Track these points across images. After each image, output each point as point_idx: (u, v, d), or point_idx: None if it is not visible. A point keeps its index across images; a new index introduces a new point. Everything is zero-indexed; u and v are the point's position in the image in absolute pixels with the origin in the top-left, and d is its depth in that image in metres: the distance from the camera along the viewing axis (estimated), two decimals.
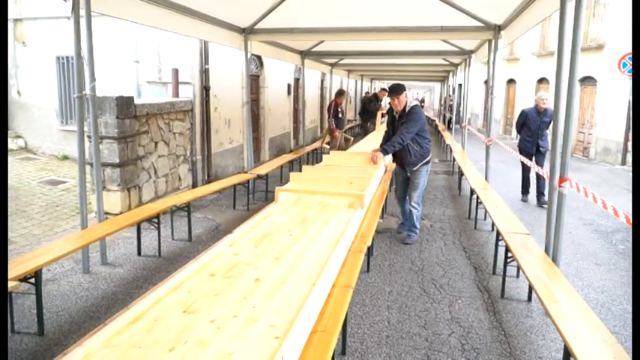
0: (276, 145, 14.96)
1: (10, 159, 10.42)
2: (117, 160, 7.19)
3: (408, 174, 6.50)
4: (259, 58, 12.94)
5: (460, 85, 17.78)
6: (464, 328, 4.30)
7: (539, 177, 8.62)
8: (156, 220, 5.98)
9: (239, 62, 10.30)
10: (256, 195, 9.27)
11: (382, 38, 8.70)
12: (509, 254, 4.67)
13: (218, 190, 8.37)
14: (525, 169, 9.14)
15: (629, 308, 4.81)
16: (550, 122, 8.59)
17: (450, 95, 24.50)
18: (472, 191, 7.65)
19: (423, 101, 49.37)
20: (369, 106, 16.56)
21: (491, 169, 8.45)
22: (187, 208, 6.64)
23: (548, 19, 18.53)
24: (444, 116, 27.42)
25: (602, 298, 5.07)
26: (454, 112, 22.40)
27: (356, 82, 26.89)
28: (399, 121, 6.36)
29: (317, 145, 14.12)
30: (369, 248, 4.94)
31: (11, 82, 11.33)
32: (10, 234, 6.51)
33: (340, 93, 12.36)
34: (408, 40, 9.45)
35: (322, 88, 21.62)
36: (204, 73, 9.65)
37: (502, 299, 4.94)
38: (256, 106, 13.24)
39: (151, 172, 8.09)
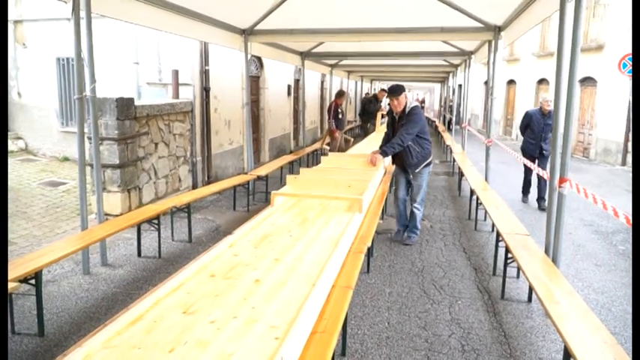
0: (276, 146, 14.97)
1: (11, 160, 10.43)
2: (117, 162, 7.19)
3: (411, 176, 6.44)
4: (259, 59, 12.94)
5: (460, 85, 17.79)
6: (464, 329, 4.30)
7: (540, 180, 8.49)
8: (156, 221, 5.99)
9: (239, 63, 10.30)
10: (256, 196, 9.28)
11: (382, 39, 8.71)
12: (510, 255, 4.67)
13: (218, 191, 8.37)
14: (527, 171, 9.08)
15: (629, 309, 4.81)
16: None
17: (449, 96, 24.49)
18: (472, 192, 7.65)
19: (423, 102, 49.35)
20: (368, 107, 16.57)
21: (491, 170, 8.45)
22: (187, 209, 6.64)
23: (548, 20, 18.54)
24: (444, 117, 27.42)
25: (602, 298, 5.07)
26: (454, 113, 22.42)
27: (356, 83, 26.89)
28: (398, 122, 6.30)
29: (317, 146, 14.12)
30: (368, 249, 4.93)
31: (11, 83, 11.34)
32: (10, 235, 6.51)
33: (340, 94, 12.35)
34: (407, 41, 9.46)
35: (322, 89, 21.62)
36: (205, 75, 9.65)
37: (502, 300, 4.94)
38: (256, 107, 13.24)
39: (151, 174, 8.09)
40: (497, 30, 7.58)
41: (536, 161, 8.63)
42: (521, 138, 9.41)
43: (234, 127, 11.38)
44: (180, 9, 6.39)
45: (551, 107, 8.57)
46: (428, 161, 6.37)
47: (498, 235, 5.25)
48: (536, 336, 4.23)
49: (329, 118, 12.39)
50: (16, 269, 3.75)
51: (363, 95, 23.94)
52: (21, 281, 3.74)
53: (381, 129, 13.06)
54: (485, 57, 9.12)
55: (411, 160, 6.25)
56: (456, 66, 15.72)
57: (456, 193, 10.19)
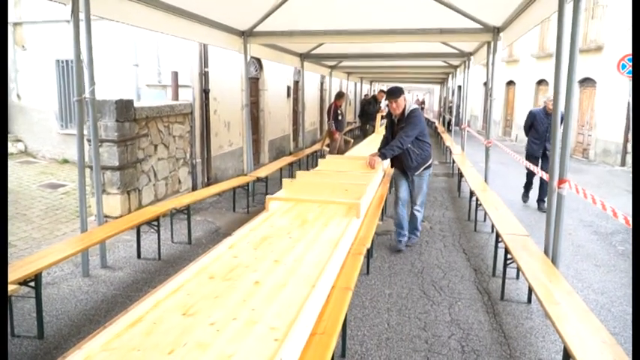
0: (275, 147, 14.97)
1: (10, 162, 10.43)
2: (117, 164, 7.19)
3: (411, 179, 6.32)
4: (259, 60, 12.95)
5: (459, 87, 17.79)
6: (464, 330, 4.30)
7: (542, 182, 8.30)
8: (156, 223, 5.99)
9: (238, 65, 10.30)
10: (256, 197, 9.28)
11: (381, 41, 8.71)
12: (509, 256, 4.67)
13: (218, 193, 8.38)
14: (530, 172, 8.90)
15: (629, 309, 4.81)
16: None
17: (448, 97, 24.51)
18: (472, 193, 7.66)
19: (423, 103, 49.31)
20: (368, 109, 16.59)
21: (490, 171, 8.44)
22: (187, 211, 6.64)
23: (548, 21, 18.56)
24: (444, 118, 27.43)
25: (601, 299, 5.07)
26: (454, 114, 22.42)
27: (355, 84, 26.91)
28: (398, 125, 6.17)
29: (317, 147, 14.13)
30: (368, 250, 4.93)
31: (11, 85, 11.34)
32: (10, 237, 6.51)
33: (340, 95, 12.36)
34: (407, 42, 9.47)
35: (322, 90, 21.63)
36: (204, 76, 9.65)
37: (502, 301, 4.94)
38: (256, 108, 13.24)
39: (150, 175, 8.09)
40: (497, 31, 7.59)
41: (540, 162, 8.53)
42: (521, 139, 9.39)
43: (233, 129, 11.38)
44: (180, 11, 6.39)
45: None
46: (428, 164, 6.27)
47: (498, 235, 5.25)
48: (535, 337, 4.23)
49: (328, 120, 12.40)
50: (15, 272, 3.75)
51: (363, 96, 23.96)
52: (20, 284, 3.74)
53: (380, 130, 13.06)
54: (484, 58, 9.13)
55: (411, 163, 6.13)
56: (456, 67, 15.73)
57: (456, 194, 10.20)
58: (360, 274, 3.83)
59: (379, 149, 6.48)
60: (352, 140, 15.24)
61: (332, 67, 16.31)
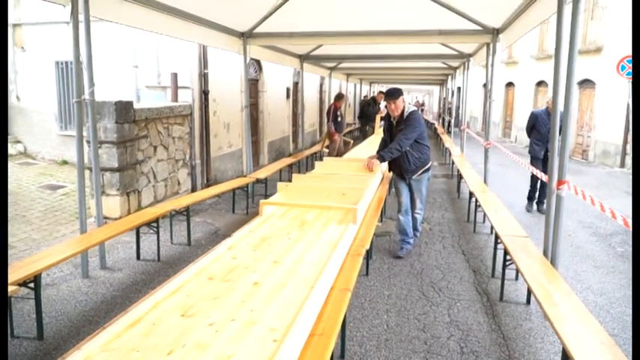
0: (275, 148, 14.98)
1: (10, 164, 10.43)
2: (116, 165, 7.20)
3: (409, 182, 6.15)
4: (258, 62, 12.96)
5: (459, 88, 17.80)
6: (463, 331, 4.30)
7: (543, 184, 8.18)
8: (155, 225, 5.99)
9: (238, 66, 10.31)
10: (255, 199, 9.27)
11: (381, 42, 8.72)
12: (508, 257, 4.67)
13: (217, 194, 8.38)
14: (534, 177, 8.49)
15: (628, 311, 4.81)
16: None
17: (447, 98, 24.52)
18: (471, 194, 7.66)
19: (423, 105, 49.29)
20: (367, 110, 16.61)
21: (490, 173, 8.44)
22: (186, 213, 6.64)
23: (547, 22, 18.57)
24: (443, 119, 27.46)
25: (600, 300, 5.08)
26: (453, 116, 22.43)
27: (355, 85, 26.93)
28: (396, 127, 6.06)
29: (316, 148, 14.14)
30: (367, 252, 4.92)
31: (10, 87, 11.34)
32: (9, 239, 6.51)
33: (339, 97, 12.37)
34: (406, 43, 9.47)
35: (321, 91, 21.65)
36: (203, 78, 9.66)
37: (501, 302, 4.94)
38: (255, 110, 13.25)
39: (150, 177, 8.09)
40: (496, 32, 7.60)
41: (541, 164, 8.27)
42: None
43: (233, 130, 11.39)
44: (179, 12, 6.40)
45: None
46: (427, 167, 6.13)
47: (497, 237, 5.26)
48: (534, 338, 4.23)
49: (328, 121, 12.41)
50: (15, 273, 3.75)
51: (362, 98, 23.98)
52: (20, 285, 3.75)
53: (380, 131, 13.06)
54: (483, 59, 9.14)
55: (409, 167, 6.00)
56: (455, 68, 15.75)
57: (455, 196, 10.20)
58: (359, 275, 3.83)
59: (378, 151, 6.42)
60: (352, 141, 15.25)
61: (331, 69, 16.33)
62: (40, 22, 10.70)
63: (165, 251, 6.31)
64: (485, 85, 12.13)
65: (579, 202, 6.92)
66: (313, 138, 20.07)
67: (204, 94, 9.72)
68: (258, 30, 8.26)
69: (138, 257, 6.03)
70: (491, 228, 6.39)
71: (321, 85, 21.38)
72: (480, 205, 6.80)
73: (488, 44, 8.31)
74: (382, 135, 6.69)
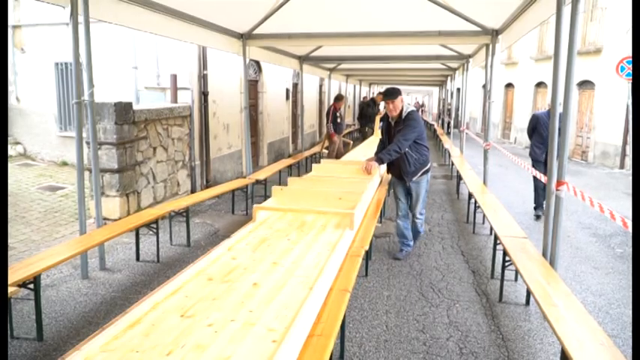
0: (274, 150, 14.98)
1: (9, 165, 10.43)
2: (115, 166, 7.20)
3: (409, 184, 5.97)
4: (258, 63, 12.97)
5: (458, 89, 17.81)
6: (462, 332, 4.30)
7: (543, 186, 7.82)
8: (154, 226, 5.99)
9: (237, 67, 10.32)
10: (255, 200, 9.26)
11: (380, 43, 8.73)
12: (508, 258, 4.68)
13: (217, 195, 8.39)
14: (537, 181, 8.10)
15: (627, 312, 4.82)
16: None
17: (447, 99, 24.53)
18: (470, 195, 7.66)
19: (423, 106, 49.34)
20: (366, 111, 16.62)
21: (489, 174, 8.43)
22: (186, 214, 6.65)
23: (546, 23, 18.57)
24: (443, 120, 27.48)
25: (600, 301, 5.08)
26: (452, 117, 22.43)
27: (354, 86, 26.94)
28: (395, 128, 5.93)
29: (316, 149, 14.15)
30: (366, 253, 4.92)
31: (10, 88, 11.34)
32: (9, 240, 6.51)
33: (339, 98, 12.37)
34: (406, 44, 9.48)
35: (321, 92, 21.66)
36: (203, 79, 9.67)
37: (500, 303, 4.94)
38: (255, 111, 13.26)
39: (149, 178, 8.10)
40: (495, 33, 7.60)
41: (543, 167, 7.88)
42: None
43: (232, 132, 11.40)
44: (179, 13, 6.41)
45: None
46: (426, 168, 5.98)
47: (496, 238, 5.26)
48: (533, 339, 4.24)
49: (327, 122, 12.42)
50: (15, 274, 3.75)
51: (362, 99, 24.00)
52: (20, 286, 3.75)
53: (379, 132, 13.06)
54: (483, 60, 9.14)
55: (409, 168, 5.84)
56: (454, 69, 15.76)
57: (455, 197, 10.21)
58: (358, 276, 3.84)
59: (376, 153, 6.31)
60: (351, 142, 15.26)
61: (331, 70, 16.33)
62: (39, 23, 10.70)
63: (164, 252, 6.31)
64: (484, 86, 12.14)
65: (579, 203, 6.93)
66: (313, 139, 20.08)
67: (204, 95, 9.73)
68: (257, 31, 8.27)
69: (137, 258, 6.03)
70: (491, 229, 6.40)
71: (320, 86, 21.39)
72: (479, 206, 6.80)
73: (487, 45, 8.31)
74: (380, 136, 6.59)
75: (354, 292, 4.96)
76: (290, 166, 11.43)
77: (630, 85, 12.23)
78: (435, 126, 25.99)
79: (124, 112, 7.26)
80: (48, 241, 6.69)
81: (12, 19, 10.88)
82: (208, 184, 9.99)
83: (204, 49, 9.52)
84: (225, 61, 10.46)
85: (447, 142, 15.83)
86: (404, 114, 5.82)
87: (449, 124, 23.21)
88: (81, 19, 4.87)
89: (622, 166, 15.03)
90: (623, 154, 15.04)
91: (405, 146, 5.74)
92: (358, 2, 6.89)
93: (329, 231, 4.42)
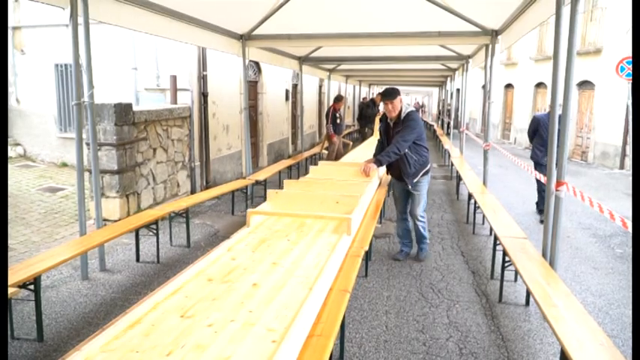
0: (274, 150, 14.99)
1: (10, 166, 10.43)
2: (115, 167, 7.21)
3: (409, 186, 5.81)
4: (257, 64, 12.98)
5: (458, 89, 17.82)
6: (462, 333, 4.30)
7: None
8: (154, 227, 5.99)
9: (237, 68, 10.33)
10: (255, 200, 9.28)
11: (380, 44, 8.74)
12: (507, 258, 4.68)
13: (216, 196, 8.38)
14: (541, 184, 7.90)
15: (627, 312, 4.82)
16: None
17: (446, 100, 24.54)
18: (470, 196, 7.66)
19: (423, 106, 49.36)
20: (366, 112, 16.63)
21: (489, 174, 8.42)
22: (186, 214, 6.65)
23: (546, 24, 18.57)
24: (442, 121, 27.50)
25: (599, 301, 5.08)
26: (452, 117, 22.44)
27: (354, 87, 26.95)
28: (394, 129, 5.78)
29: (316, 150, 14.16)
30: (366, 253, 4.91)
31: (10, 89, 11.34)
32: (9, 241, 6.51)
33: (338, 99, 12.38)
34: (405, 45, 9.50)
35: (320, 93, 21.66)
36: (203, 80, 9.68)
37: (500, 303, 4.94)
38: (254, 112, 13.28)
39: (149, 179, 8.10)
40: (495, 34, 7.61)
41: (545, 170, 7.93)
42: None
43: (232, 132, 11.40)
44: (178, 14, 6.41)
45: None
46: (426, 169, 5.84)
47: (496, 238, 5.26)
48: (533, 339, 4.24)
49: (327, 123, 12.43)
50: (15, 275, 3.76)
51: (361, 100, 24.02)
52: (20, 286, 3.75)
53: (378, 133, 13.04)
54: (482, 61, 9.15)
55: (409, 170, 5.69)
56: (454, 70, 15.77)
57: (454, 197, 10.21)
58: (358, 276, 3.84)
59: (374, 155, 6.18)
60: (351, 143, 15.28)
61: (330, 70, 16.34)
62: (39, 24, 10.71)
63: (164, 253, 6.31)
64: (484, 87, 12.15)
65: (578, 203, 6.93)
66: (312, 140, 20.09)
67: (204, 96, 9.73)
68: (257, 32, 8.28)
69: (137, 259, 6.04)
70: (491, 229, 6.40)
71: (320, 87, 21.40)
72: (479, 207, 6.80)
73: (487, 46, 8.32)
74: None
75: (353, 293, 4.96)
76: (290, 167, 11.44)
77: (630, 85, 12.25)
78: (435, 126, 26.00)
79: (123, 113, 7.26)
80: (48, 242, 6.69)
81: (12, 21, 10.89)
82: (208, 185, 10.00)
83: (203, 50, 9.53)
84: (224, 62, 10.47)
85: (447, 143, 15.84)
86: (403, 114, 5.69)
87: (448, 124, 23.22)
88: (81, 20, 4.88)
89: (622, 167, 15.03)
90: (623, 155, 15.04)
91: (404, 147, 5.60)
92: (358, 3, 6.90)
93: (326, 236, 4.34)
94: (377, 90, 32.82)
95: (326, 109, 14.56)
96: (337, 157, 11.80)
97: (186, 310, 2.74)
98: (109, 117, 7.11)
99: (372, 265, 5.89)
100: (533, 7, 5.60)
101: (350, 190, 5.57)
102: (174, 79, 9.17)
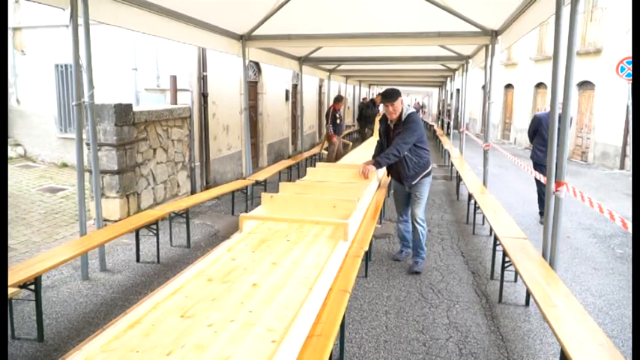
0: (274, 151, 14.99)
1: (10, 167, 10.44)
2: (115, 167, 7.21)
3: (407, 188, 5.73)
4: (257, 64, 12.99)
5: (458, 90, 17.81)
6: (461, 333, 4.31)
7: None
8: (154, 227, 5.99)
9: (237, 69, 10.33)
10: (255, 201, 9.27)
11: (380, 44, 8.74)
12: (507, 259, 4.68)
13: (216, 197, 8.38)
14: (540, 185, 7.75)
15: (627, 312, 4.82)
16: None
17: (446, 100, 24.55)
18: (470, 196, 7.66)
19: (424, 107, 49.37)
20: (366, 112, 16.64)
21: (489, 174, 8.41)
22: (186, 215, 6.65)
23: (546, 24, 18.58)
24: (442, 121, 27.51)
25: (599, 302, 5.08)
26: (452, 117, 22.44)
27: (354, 87, 26.95)
28: (394, 130, 5.64)
29: (316, 150, 14.16)
30: (366, 253, 4.90)
31: (10, 90, 11.35)
32: (9, 241, 6.52)
33: (338, 99, 12.39)
34: (405, 45, 9.49)
35: (320, 93, 21.67)
36: (203, 80, 9.68)
37: (500, 304, 4.94)
38: (254, 112, 13.28)
39: (149, 179, 8.11)
40: (494, 34, 7.61)
41: (545, 170, 7.76)
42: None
43: (232, 133, 11.41)
44: (178, 15, 6.42)
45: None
46: (427, 171, 5.70)
47: (496, 238, 5.26)
48: (533, 339, 4.24)
49: (327, 123, 12.43)
50: (15, 275, 3.76)
51: (361, 100, 24.03)
52: (20, 287, 3.76)
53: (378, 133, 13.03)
54: (482, 61, 9.15)
55: (408, 172, 5.59)
56: (454, 70, 15.77)
57: (454, 197, 10.21)
58: (358, 276, 3.84)
59: (373, 157, 6.02)
60: (351, 143, 15.28)
61: (330, 71, 16.35)
62: (39, 25, 10.73)
63: (164, 253, 6.32)
64: (484, 87, 12.15)
65: (579, 204, 6.92)
66: (312, 140, 20.09)
67: (204, 96, 9.74)
68: (256, 32, 8.28)
69: (137, 259, 6.04)
70: (491, 230, 6.40)
71: (320, 87, 21.40)
72: (479, 207, 6.80)
73: (487, 46, 8.32)
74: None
75: (353, 293, 4.97)
76: (290, 167, 11.44)
77: (630, 85, 12.25)
78: (435, 127, 26.00)
79: (123, 113, 7.27)
80: (48, 243, 6.70)
81: (12, 22, 10.90)
82: (208, 185, 10.00)
83: (203, 51, 9.54)
84: (224, 62, 10.47)
85: (447, 143, 15.84)
86: (403, 116, 5.55)
87: (448, 124, 23.23)
88: (81, 20, 4.88)
89: (622, 167, 15.03)
90: (623, 155, 15.04)
91: (404, 150, 5.48)
92: (358, 3, 6.90)
93: (322, 242, 4.20)
94: (377, 90, 32.85)
95: (326, 109, 14.56)
96: (337, 158, 11.81)
97: (186, 310, 2.74)
98: (109, 117, 7.12)
99: (372, 266, 5.90)
100: (533, 7, 5.60)
101: (348, 193, 5.43)
102: (174, 79, 9.18)
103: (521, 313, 4.74)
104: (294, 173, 11.83)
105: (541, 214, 8.12)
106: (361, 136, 17.64)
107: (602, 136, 16.34)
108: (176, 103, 9.21)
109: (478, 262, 6.17)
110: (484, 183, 8.20)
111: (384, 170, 6.53)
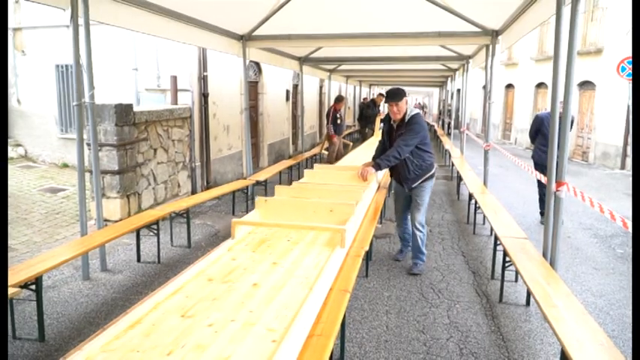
0: (275, 151, 14.99)
1: (11, 167, 10.44)
2: (116, 168, 7.22)
3: (407, 190, 5.65)
4: (258, 64, 12.99)
5: (459, 90, 17.80)
6: (462, 333, 4.31)
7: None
8: (155, 227, 5.99)
9: (237, 69, 10.33)
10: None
11: (380, 44, 8.73)
12: (508, 259, 4.68)
13: (217, 197, 8.39)
14: (541, 186, 7.69)
15: (628, 312, 4.82)
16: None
17: (447, 100, 24.54)
18: (471, 196, 7.66)
19: (425, 107, 49.35)
20: (366, 112, 16.62)
21: (490, 174, 8.40)
22: (186, 215, 6.65)
23: (547, 24, 18.55)
24: (443, 121, 27.50)
25: (600, 302, 5.08)
26: (453, 117, 22.43)
27: (354, 87, 26.95)
28: (397, 131, 5.50)
29: (316, 150, 14.16)
30: (367, 253, 4.90)
31: (11, 90, 11.36)
32: (10, 241, 6.52)
33: (339, 99, 12.39)
34: (405, 45, 9.49)
35: (321, 93, 21.66)
36: (203, 80, 9.68)
37: (500, 303, 4.94)
38: (255, 112, 13.28)
39: (150, 179, 8.11)
40: (495, 34, 7.61)
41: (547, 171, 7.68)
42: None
43: (233, 133, 11.41)
44: (178, 15, 6.42)
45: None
46: (429, 174, 5.56)
47: (496, 238, 5.26)
48: (533, 339, 4.24)
49: (327, 123, 12.43)
50: (16, 275, 3.77)
51: (362, 100, 24.03)
52: (21, 287, 3.76)
53: (379, 133, 13.03)
54: (483, 61, 9.15)
55: (408, 175, 5.49)
56: (454, 70, 15.76)
57: (455, 197, 10.21)
58: (358, 276, 3.84)
59: (373, 158, 5.87)
60: (351, 143, 15.28)
61: (331, 71, 16.35)
62: (40, 25, 10.73)
63: (165, 253, 6.32)
64: (484, 87, 12.14)
65: (579, 204, 6.93)
66: (313, 140, 20.09)
67: (204, 96, 9.74)
68: (257, 32, 8.28)
69: (138, 259, 6.04)
70: (491, 229, 6.40)
71: (320, 87, 21.40)
72: (479, 207, 6.80)
73: (487, 46, 8.32)
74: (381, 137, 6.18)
75: (354, 293, 4.97)
76: (290, 167, 11.45)
77: (631, 85, 12.24)
78: (436, 127, 25.99)
79: (124, 113, 7.27)
80: (49, 243, 6.70)
81: (12, 22, 10.90)
82: (209, 186, 10.00)
83: (204, 51, 9.54)
84: (225, 62, 10.48)
85: (448, 143, 15.84)
86: (407, 117, 5.40)
87: (449, 124, 23.21)
88: (81, 21, 4.88)
89: (623, 167, 15.03)
90: (624, 155, 15.04)
91: (405, 152, 5.34)
92: (358, 3, 6.90)
93: (317, 249, 4.02)
94: (377, 90, 32.83)
95: (326, 109, 14.56)
96: (337, 158, 11.82)
97: (186, 310, 2.74)
98: (109, 117, 7.12)
99: (372, 265, 5.90)
100: (533, 7, 5.59)
101: (346, 197, 5.21)
102: (174, 79, 9.18)
103: (521, 313, 4.74)
104: (295, 173, 11.83)
105: (542, 214, 8.05)
106: (362, 136, 17.62)
107: (603, 136, 16.34)
108: (176, 104, 9.21)
109: (479, 262, 6.17)
110: (485, 183, 8.20)
111: (384, 171, 6.42)
